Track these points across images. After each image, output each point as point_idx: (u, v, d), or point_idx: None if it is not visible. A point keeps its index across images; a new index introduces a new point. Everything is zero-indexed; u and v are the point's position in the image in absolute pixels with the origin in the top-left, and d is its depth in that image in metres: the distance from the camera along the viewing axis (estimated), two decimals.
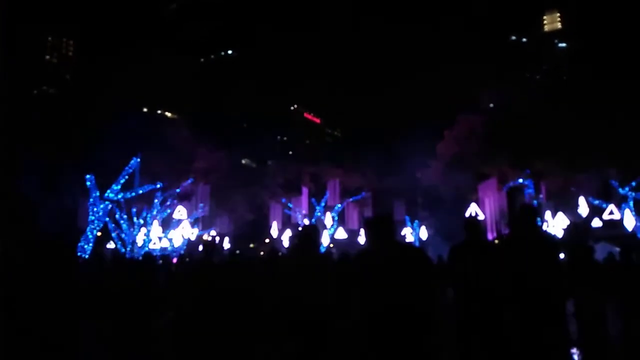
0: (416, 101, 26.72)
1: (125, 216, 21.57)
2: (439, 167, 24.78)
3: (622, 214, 21.61)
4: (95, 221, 18.74)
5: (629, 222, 21.52)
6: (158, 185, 21.35)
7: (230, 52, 40.66)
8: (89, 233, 18.47)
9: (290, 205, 27.27)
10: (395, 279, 3.20)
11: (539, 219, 20.28)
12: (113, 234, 21.78)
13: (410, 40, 30.78)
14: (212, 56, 39.94)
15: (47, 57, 25.27)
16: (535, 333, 3.69)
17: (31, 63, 21.51)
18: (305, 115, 43.99)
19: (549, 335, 3.72)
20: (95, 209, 18.73)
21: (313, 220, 27.44)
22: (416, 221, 28.91)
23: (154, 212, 22.46)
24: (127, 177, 19.58)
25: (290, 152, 38.13)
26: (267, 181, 28.45)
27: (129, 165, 19.58)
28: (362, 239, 25.46)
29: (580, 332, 5.49)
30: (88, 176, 18.42)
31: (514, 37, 36.50)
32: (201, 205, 24.11)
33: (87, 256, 16.79)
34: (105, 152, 18.88)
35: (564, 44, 37.61)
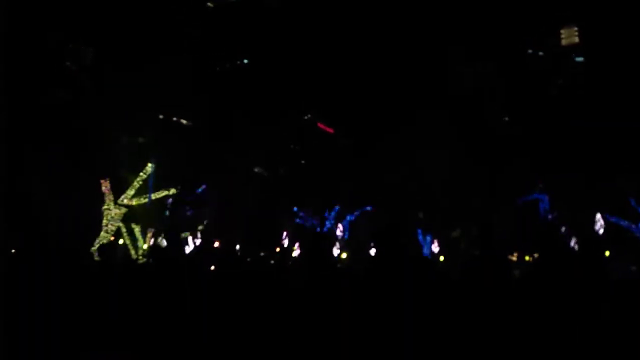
0: (430, 112, 26.61)
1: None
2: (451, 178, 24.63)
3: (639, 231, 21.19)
4: (109, 226, 18.97)
5: None
6: (172, 191, 21.58)
7: (245, 60, 41.16)
8: (102, 239, 18.68)
9: (302, 215, 27.31)
10: (401, 296, 3.17)
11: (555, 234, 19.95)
12: (126, 239, 22.00)
13: (425, 53, 30.73)
14: (227, 64, 40.44)
15: (68, 63, 25.79)
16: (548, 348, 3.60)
17: (50, 69, 21.95)
18: (318, 124, 44.17)
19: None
20: (109, 214, 18.97)
21: (324, 230, 27.40)
22: (428, 235, 28.67)
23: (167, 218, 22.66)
24: (141, 182, 19.82)
25: (303, 162, 38.20)
26: (279, 190, 28.53)
27: (143, 171, 19.82)
28: (372, 251, 25.29)
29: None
30: (103, 180, 18.68)
31: (530, 51, 36.34)
32: (212, 212, 24.29)
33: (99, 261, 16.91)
34: (120, 157, 19.15)
35: (581, 59, 37.34)
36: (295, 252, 26.01)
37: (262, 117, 31.95)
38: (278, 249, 29.78)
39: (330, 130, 45.96)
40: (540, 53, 33.82)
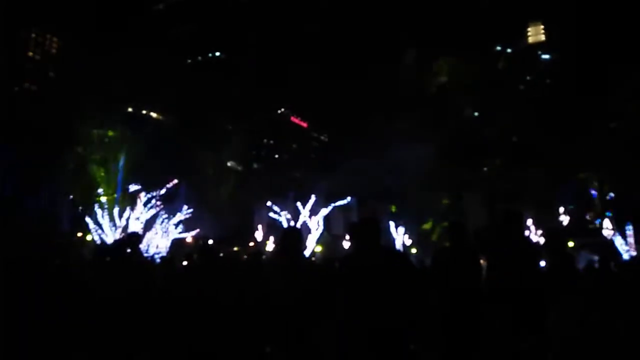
0: (402, 107, 26.96)
1: (107, 217, 21.26)
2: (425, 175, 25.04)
3: (601, 223, 22.06)
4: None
5: (608, 231, 21.98)
6: (140, 186, 21.12)
7: (218, 54, 40.53)
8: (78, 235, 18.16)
9: (276, 209, 27.19)
10: (378, 289, 3.22)
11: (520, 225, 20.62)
12: (95, 236, 21.43)
13: (394, 49, 31.09)
14: (199, 57, 39.77)
15: (30, 53, 24.67)
16: (514, 334, 3.75)
17: (13, 59, 21.00)
18: (292, 119, 44.03)
19: (526, 337, 3.79)
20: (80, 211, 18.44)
21: (298, 224, 27.39)
22: (401, 227, 29.06)
23: (137, 214, 22.17)
24: (110, 176, 19.34)
25: (277, 156, 38.05)
26: (253, 184, 28.34)
27: (113, 166, 19.35)
28: (347, 244, 25.50)
29: (561, 337, 5.57)
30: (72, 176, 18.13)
31: (498, 48, 37.21)
32: (185, 207, 23.89)
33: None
34: (88, 151, 18.62)
35: (547, 56, 38.51)
36: (269, 247, 25.94)
37: (235, 111, 31.63)
38: (252, 244, 29.63)
39: (304, 125, 45.98)
40: (508, 50, 34.71)
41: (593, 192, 22.45)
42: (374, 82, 30.21)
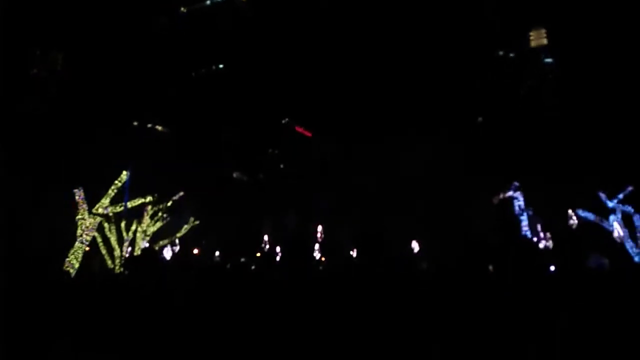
0: (406, 112, 26.98)
1: (114, 230, 21.35)
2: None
3: (611, 226, 21.85)
4: (84, 236, 18.47)
5: (617, 234, 21.75)
6: (148, 199, 21.21)
7: (221, 65, 40.95)
8: (77, 249, 18.19)
9: (282, 219, 27.23)
10: (382, 302, 3.20)
11: (527, 229, 20.47)
12: (102, 249, 21.49)
13: (397, 55, 31.19)
14: (203, 70, 40.19)
15: (34, 70, 24.97)
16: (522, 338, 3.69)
17: (16, 76, 21.27)
18: (297, 128, 44.26)
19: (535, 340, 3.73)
20: (83, 224, 18.48)
21: (304, 233, 27.38)
22: (408, 238, 28.90)
23: (144, 226, 22.25)
24: (116, 190, 19.40)
25: (282, 166, 38.10)
26: (258, 194, 28.39)
27: (118, 179, 19.42)
28: (353, 253, 25.39)
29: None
30: (76, 190, 18.21)
31: (501, 52, 37.33)
32: (191, 219, 23.98)
33: (75, 272, 16.50)
34: (94, 165, 18.74)
35: (550, 60, 38.58)
36: (276, 257, 25.92)
37: (240, 122, 31.80)
38: (259, 254, 29.62)
39: (309, 134, 46.10)
40: (511, 55, 34.69)
41: (602, 195, 22.25)
42: (379, 90, 30.29)
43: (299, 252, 4.17)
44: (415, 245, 28.37)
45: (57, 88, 23.28)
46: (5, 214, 17.81)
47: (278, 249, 26.34)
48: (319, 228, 27.46)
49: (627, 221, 22.10)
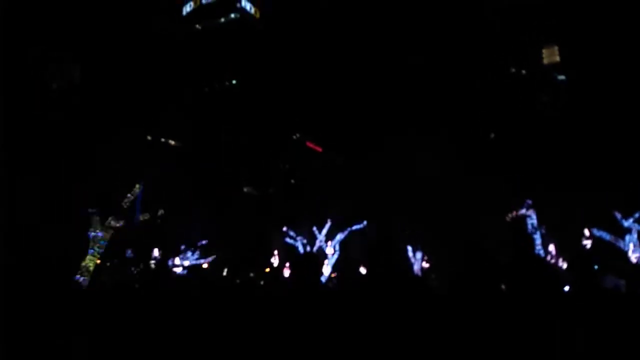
0: (416, 128, 27.00)
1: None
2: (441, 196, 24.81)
3: (627, 246, 21.39)
4: (96, 250, 18.60)
5: (634, 254, 21.27)
6: (160, 213, 21.37)
7: (234, 81, 41.48)
8: (89, 262, 18.30)
9: (292, 234, 27.12)
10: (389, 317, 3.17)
11: (540, 248, 20.15)
12: (112, 262, 21.63)
13: (407, 69, 31.34)
14: (216, 85, 40.75)
15: (53, 83, 25.56)
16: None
17: (35, 88, 21.74)
18: (307, 144, 44.48)
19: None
20: (96, 238, 18.63)
21: (314, 249, 27.23)
22: (418, 252, 28.64)
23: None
24: (129, 204, 19.58)
25: (292, 181, 38.20)
26: (269, 209, 28.42)
27: (131, 192, 19.61)
28: (362, 270, 25.18)
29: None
30: (90, 204, 18.42)
31: (513, 70, 37.32)
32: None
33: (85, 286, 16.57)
34: (108, 178, 18.97)
35: (563, 77, 38.45)
36: (285, 272, 25.76)
37: (251, 137, 32.06)
38: (268, 270, 29.51)
39: (319, 149, 46.33)
40: (523, 72, 34.66)
41: (617, 214, 21.85)
42: (389, 105, 30.40)
43: (308, 267, 4.13)
44: (425, 262, 28.06)
45: (74, 98, 23.74)
46: (10, 220, 18.02)
47: (287, 264, 26.22)
48: (329, 244, 27.30)
49: None
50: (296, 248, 27.22)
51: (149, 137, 29.07)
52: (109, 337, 4.76)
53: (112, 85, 23.73)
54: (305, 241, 26.93)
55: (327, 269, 26.11)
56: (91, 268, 18.32)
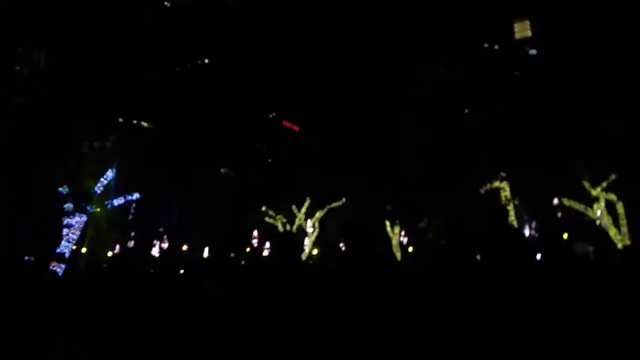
0: (391, 105, 27.05)
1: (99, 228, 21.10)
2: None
3: (595, 214, 22.20)
4: (70, 235, 18.23)
5: (602, 222, 22.11)
6: (134, 197, 20.98)
7: (206, 60, 40.53)
8: (64, 248, 17.95)
9: (271, 214, 27.13)
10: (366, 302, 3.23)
11: (514, 219, 20.75)
12: (88, 248, 21.26)
13: (382, 46, 31.21)
14: (188, 65, 39.74)
15: (17, 67, 24.24)
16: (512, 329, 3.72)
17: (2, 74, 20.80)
18: (284, 122, 44.12)
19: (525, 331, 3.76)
20: (70, 223, 18.23)
21: (294, 228, 27.35)
22: (397, 226, 29.09)
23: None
24: (102, 188, 19.15)
25: (270, 160, 37.97)
26: (247, 190, 28.25)
27: (104, 176, 19.17)
28: (342, 246, 25.45)
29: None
30: (61, 189, 17.94)
31: (486, 45, 37.63)
32: (179, 215, 23.81)
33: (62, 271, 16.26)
34: (79, 163, 18.46)
35: (534, 51, 39.02)
36: (265, 252, 25.88)
37: (226, 117, 31.57)
38: (248, 250, 29.54)
39: (296, 128, 46.02)
40: (495, 47, 34.92)
41: (586, 183, 22.59)
42: (366, 82, 30.29)
43: (289, 246, 4.15)
44: (403, 235, 28.58)
45: (42, 85, 22.83)
46: None
47: (267, 244, 26.31)
48: (308, 222, 27.46)
49: (610, 209, 22.49)
50: (276, 227, 27.28)
51: (120, 120, 28.30)
52: (88, 327, 4.70)
53: (80, 67, 22.85)
54: (284, 220, 27.00)
55: (307, 247, 26.35)
56: (66, 255, 17.98)
